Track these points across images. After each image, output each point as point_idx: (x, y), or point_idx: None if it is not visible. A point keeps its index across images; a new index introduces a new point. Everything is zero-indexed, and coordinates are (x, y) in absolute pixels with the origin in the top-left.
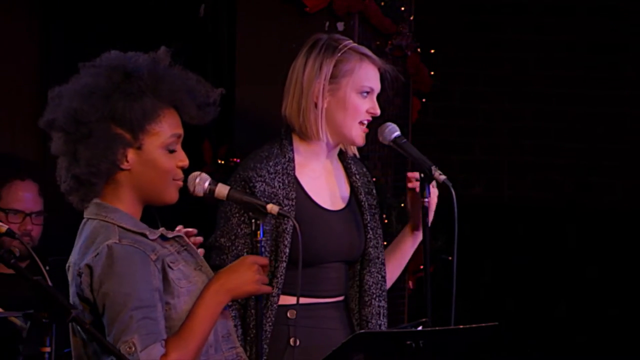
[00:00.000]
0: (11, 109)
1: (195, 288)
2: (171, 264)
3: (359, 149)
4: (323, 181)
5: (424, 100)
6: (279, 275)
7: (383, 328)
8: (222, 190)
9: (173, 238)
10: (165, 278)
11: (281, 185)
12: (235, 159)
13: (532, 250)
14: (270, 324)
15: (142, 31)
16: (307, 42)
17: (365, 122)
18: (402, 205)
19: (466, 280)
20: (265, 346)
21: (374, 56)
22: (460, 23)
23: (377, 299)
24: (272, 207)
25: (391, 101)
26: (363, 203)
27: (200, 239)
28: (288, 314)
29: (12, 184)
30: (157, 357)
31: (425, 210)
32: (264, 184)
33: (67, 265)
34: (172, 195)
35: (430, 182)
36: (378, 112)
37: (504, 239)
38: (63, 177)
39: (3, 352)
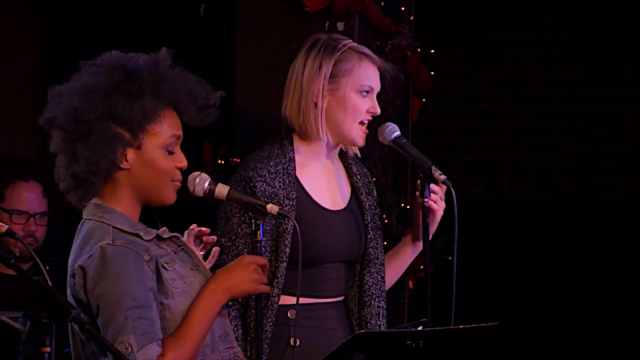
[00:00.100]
0: (11, 109)
1: (191, 288)
2: (166, 264)
3: (359, 149)
4: (324, 181)
5: (424, 100)
6: (279, 275)
7: (382, 329)
8: (222, 190)
9: (169, 238)
10: (159, 278)
11: (282, 185)
12: (235, 159)
13: (532, 250)
14: (271, 324)
15: (142, 31)
16: (307, 42)
17: (366, 121)
18: (402, 205)
19: (466, 280)
20: (265, 346)
21: (373, 55)
22: (460, 23)
23: (376, 300)
24: (272, 207)
25: (391, 101)
26: (364, 203)
27: (213, 237)
28: (288, 314)
29: (16, 184)
30: (153, 357)
31: (426, 210)
32: (265, 184)
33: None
34: (170, 196)
35: (430, 182)
36: (378, 111)
37: (504, 239)
38: (62, 176)
39: (3, 352)
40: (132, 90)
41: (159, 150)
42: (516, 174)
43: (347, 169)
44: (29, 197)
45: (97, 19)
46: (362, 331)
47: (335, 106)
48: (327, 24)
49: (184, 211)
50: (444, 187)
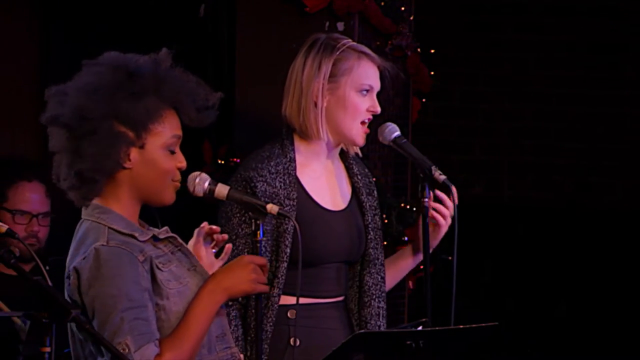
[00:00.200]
0: (11, 109)
1: (186, 289)
2: (160, 265)
3: (359, 148)
4: (324, 181)
5: (424, 100)
6: (279, 276)
7: (382, 329)
8: (221, 190)
9: (166, 239)
10: (153, 279)
11: (282, 185)
12: (235, 159)
13: (532, 250)
14: (271, 324)
15: (142, 31)
16: (306, 41)
17: (366, 120)
18: (402, 205)
19: (466, 280)
20: (265, 346)
21: (372, 54)
22: (460, 23)
23: (376, 300)
24: (272, 207)
25: (391, 101)
26: (364, 204)
27: (225, 236)
28: (288, 314)
29: (18, 185)
30: (151, 357)
31: (425, 210)
32: (265, 184)
33: None
34: (169, 196)
35: (430, 182)
36: (378, 110)
37: (504, 239)
38: (63, 174)
39: (3, 352)
40: (135, 90)
41: (161, 150)
42: (516, 174)
43: (348, 169)
44: (32, 197)
45: (97, 19)
46: (362, 331)
47: (335, 105)
48: (327, 24)
49: (184, 211)
50: (455, 202)
